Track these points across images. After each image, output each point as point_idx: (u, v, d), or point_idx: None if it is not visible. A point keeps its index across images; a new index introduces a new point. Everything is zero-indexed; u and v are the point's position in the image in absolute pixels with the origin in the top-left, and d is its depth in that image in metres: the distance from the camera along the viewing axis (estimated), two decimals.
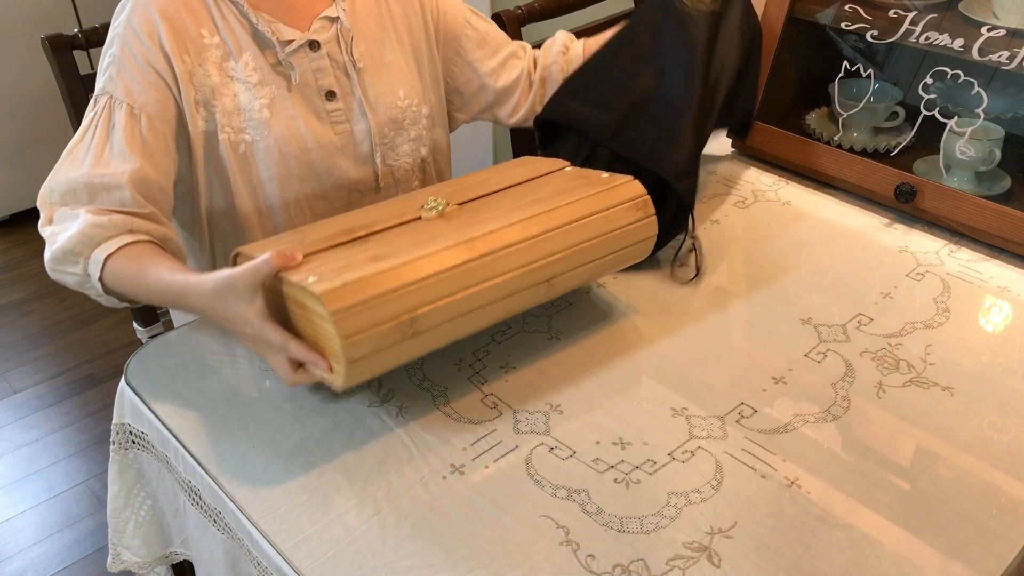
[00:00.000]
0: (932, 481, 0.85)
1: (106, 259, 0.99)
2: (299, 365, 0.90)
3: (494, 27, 1.35)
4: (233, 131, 1.12)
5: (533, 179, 1.10)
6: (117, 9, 1.11)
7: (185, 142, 1.12)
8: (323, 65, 1.16)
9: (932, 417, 0.93)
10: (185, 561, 1.08)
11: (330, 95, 1.17)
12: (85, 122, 1.08)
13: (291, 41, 1.13)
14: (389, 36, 1.23)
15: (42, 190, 1.05)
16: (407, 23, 1.25)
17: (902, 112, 1.39)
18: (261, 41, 1.12)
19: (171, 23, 1.08)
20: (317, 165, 1.17)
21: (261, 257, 0.87)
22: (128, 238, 1.02)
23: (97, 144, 1.06)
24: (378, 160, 1.22)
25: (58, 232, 1.02)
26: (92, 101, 1.09)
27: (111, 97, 1.07)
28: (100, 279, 1.00)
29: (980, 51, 1.23)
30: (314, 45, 1.15)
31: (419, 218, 0.99)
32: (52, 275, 1.04)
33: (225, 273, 0.90)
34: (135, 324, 1.44)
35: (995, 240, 1.21)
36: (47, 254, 1.03)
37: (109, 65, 1.08)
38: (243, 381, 1.00)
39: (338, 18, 1.17)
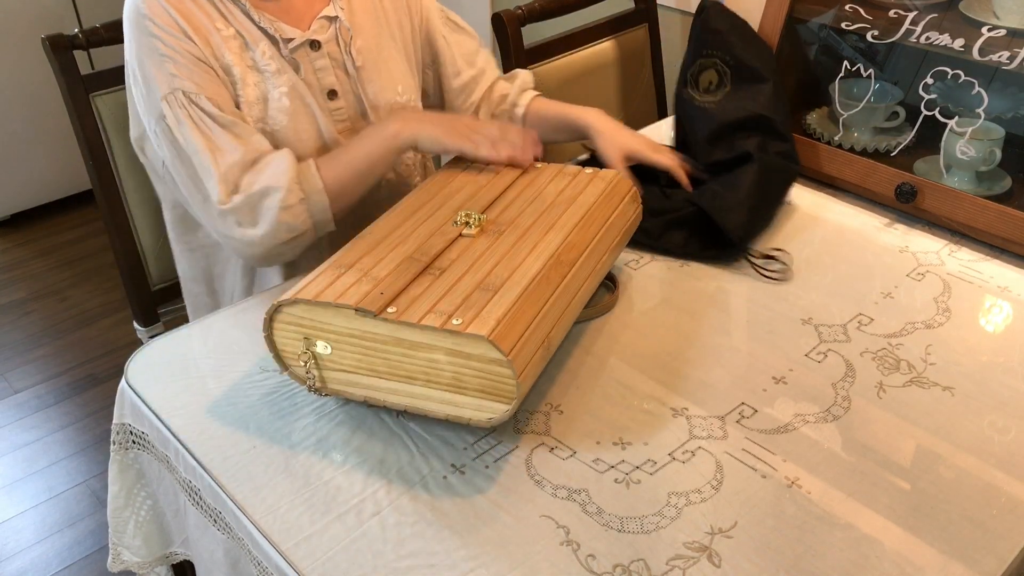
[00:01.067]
0: (932, 481, 0.85)
1: (316, 167, 1.09)
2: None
3: (467, 39, 1.35)
4: (254, 120, 1.12)
5: (518, 179, 1.11)
6: (126, 13, 1.09)
7: None
8: (324, 64, 1.16)
9: (932, 417, 0.93)
10: (185, 561, 1.08)
11: (331, 94, 1.17)
12: (182, 120, 1.06)
13: (292, 39, 1.13)
14: (384, 32, 1.23)
15: (219, 185, 1.06)
16: (398, 19, 1.26)
17: (902, 112, 1.39)
18: (268, 36, 1.13)
19: (188, 18, 1.08)
20: None
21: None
22: None
23: (220, 131, 1.07)
24: None
25: (261, 178, 1.07)
26: (164, 104, 1.06)
27: (183, 92, 1.06)
28: (323, 186, 1.08)
29: (980, 51, 1.23)
30: (315, 45, 1.15)
31: (460, 235, 0.98)
32: (276, 218, 1.06)
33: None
34: (135, 324, 1.44)
35: (995, 240, 1.21)
36: (275, 200, 1.06)
37: (161, 63, 1.06)
38: (243, 381, 1.00)
39: (337, 17, 1.17)
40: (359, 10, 1.21)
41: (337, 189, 1.09)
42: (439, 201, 1.07)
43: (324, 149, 1.17)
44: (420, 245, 0.96)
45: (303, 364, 0.91)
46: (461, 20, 1.35)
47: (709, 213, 1.19)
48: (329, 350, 0.89)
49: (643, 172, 1.24)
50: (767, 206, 1.26)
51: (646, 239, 1.19)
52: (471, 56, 1.35)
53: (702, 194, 1.22)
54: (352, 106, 1.19)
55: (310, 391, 0.93)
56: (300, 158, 1.13)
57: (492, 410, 0.85)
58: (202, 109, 1.06)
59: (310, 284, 0.90)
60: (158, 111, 1.07)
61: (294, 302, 0.88)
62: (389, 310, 0.85)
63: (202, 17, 1.09)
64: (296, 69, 1.14)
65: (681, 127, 1.38)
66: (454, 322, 0.83)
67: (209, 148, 1.06)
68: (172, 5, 1.07)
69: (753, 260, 1.18)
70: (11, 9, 2.62)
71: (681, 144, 1.36)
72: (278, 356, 0.93)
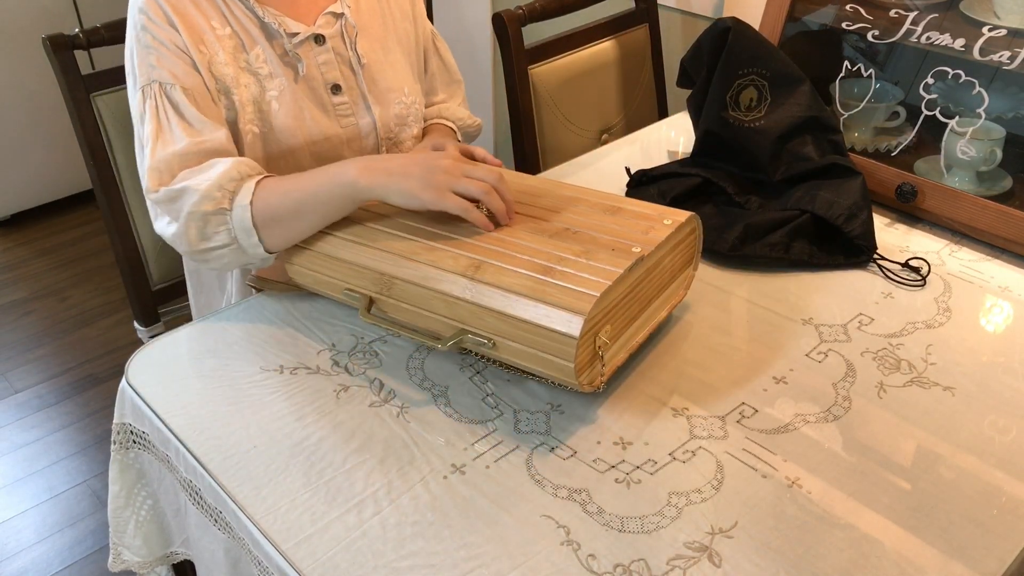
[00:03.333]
0: (933, 481, 0.85)
1: (257, 183, 1.01)
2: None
3: (445, 65, 1.37)
4: (245, 121, 1.12)
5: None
6: (130, 7, 1.10)
7: None
8: (328, 59, 1.17)
9: (933, 417, 0.93)
10: (186, 561, 1.08)
11: (335, 89, 1.18)
12: (147, 111, 1.05)
13: (297, 33, 1.14)
14: (391, 36, 1.25)
15: (149, 173, 1.04)
16: (404, 27, 1.28)
17: (903, 112, 1.39)
18: (269, 32, 1.13)
19: (182, 16, 1.08)
20: (323, 157, 1.18)
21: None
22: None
23: (177, 122, 1.04)
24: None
25: (191, 178, 1.01)
26: (139, 94, 1.06)
27: (160, 84, 1.05)
28: (251, 202, 1.00)
29: (981, 51, 1.24)
30: (319, 39, 1.16)
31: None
32: (185, 222, 1.01)
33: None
34: (135, 324, 1.44)
35: (996, 240, 1.21)
36: (188, 203, 1.00)
37: (145, 55, 1.06)
38: (243, 381, 1.00)
39: (343, 14, 1.18)
40: (366, 10, 1.22)
41: (267, 215, 1.00)
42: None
43: (316, 155, 1.17)
44: (512, 236, 0.97)
45: (596, 366, 0.91)
46: (447, 51, 1.38)
47: (831, 222, 1.18)
48: (608, 332, 0.91)
49: (700, 187, 1.29)
50: (870, 209, 1.24)
51: (775, 252, 1.17)
52: (444, 86, 1.38)
53: (813, 201, 1.20)
54: (356, 102, 1.20)
55: (598, 390, 0.94)
56: (289, 165, 1.14)
57: (687, 277, 1.06)
58: (169, 100, 1.05)
59: (578, 293, 0.87)
60: (137, 101, 1.07)
61: (594, 302, 0.85)
62: (634, 249, 0.91)
63: (198, 17, 1.10)
64: (297, 67, 1.15)
65: (733, 153, 1.32)
66: (666, 222, 0.97)
67: (156, 138, 1.04)
68: (170, 6, 1.08)
69: (887, 268, 1.17)
70: (11, 9, 2.62)
71: (742, 167, 1.32)
72: (582, 381, 0.90)
